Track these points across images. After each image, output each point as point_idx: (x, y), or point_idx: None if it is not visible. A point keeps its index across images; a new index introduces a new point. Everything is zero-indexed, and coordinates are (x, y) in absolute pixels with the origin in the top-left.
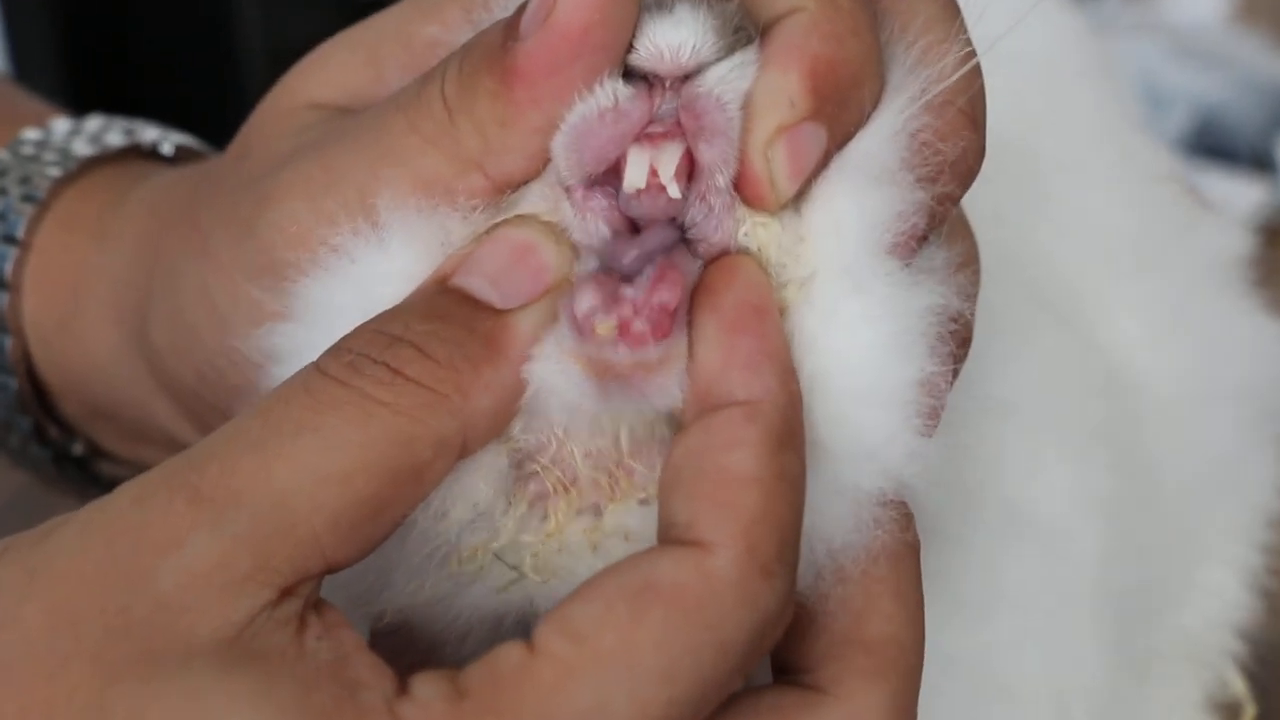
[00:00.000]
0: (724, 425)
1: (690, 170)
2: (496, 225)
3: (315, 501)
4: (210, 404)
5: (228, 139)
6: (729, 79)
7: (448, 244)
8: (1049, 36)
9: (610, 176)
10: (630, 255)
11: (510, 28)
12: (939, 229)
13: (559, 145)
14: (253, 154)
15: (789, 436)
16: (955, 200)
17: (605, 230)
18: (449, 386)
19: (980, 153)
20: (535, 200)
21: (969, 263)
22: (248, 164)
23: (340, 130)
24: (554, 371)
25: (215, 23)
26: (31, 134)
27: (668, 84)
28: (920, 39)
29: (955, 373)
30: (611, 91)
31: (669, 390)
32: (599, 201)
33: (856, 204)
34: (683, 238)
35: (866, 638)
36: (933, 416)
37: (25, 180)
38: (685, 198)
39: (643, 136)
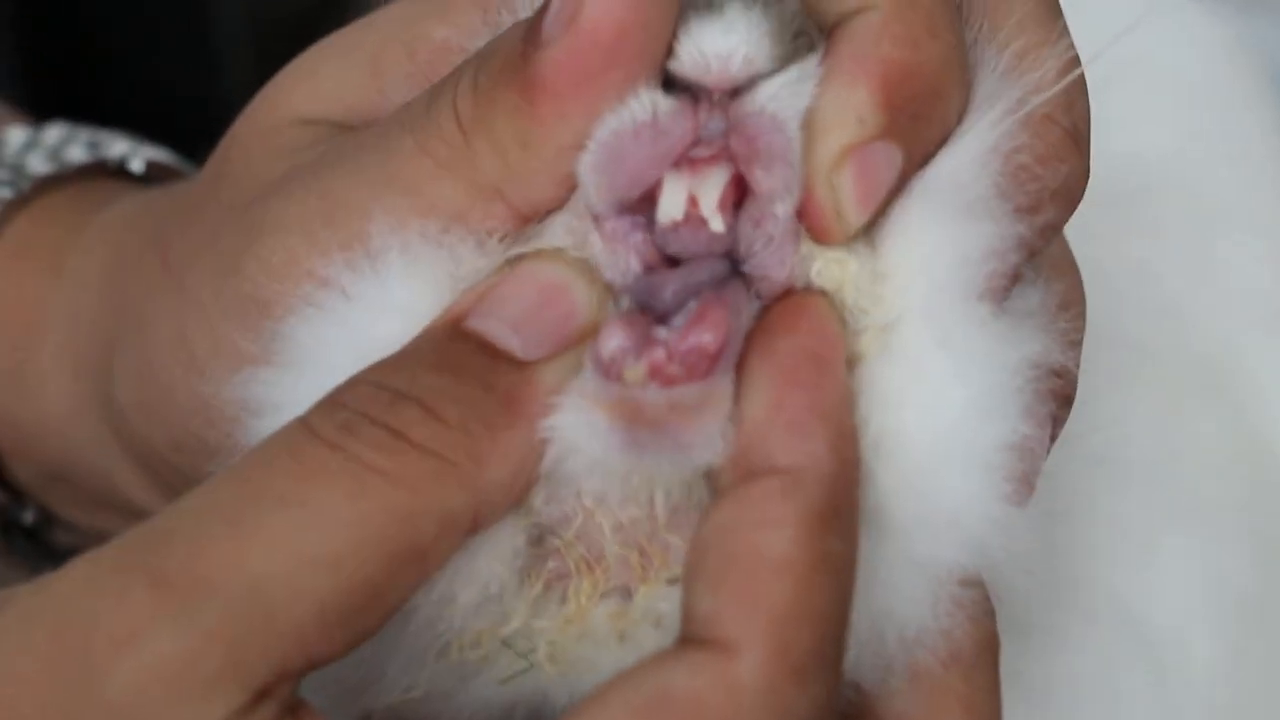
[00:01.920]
0: (759, 499)
1: (738, 199)
2: (521, 258)
3: (298, 589)
4: (186, 474)
5: (204, 124)
6: (785, 96)
7: (459, 277)
8: (1197, 48)
9: (646, 205)
10: (669, 289)
11: (532, 31)
12: (1037, 265)
13: (586, 166)
14: (233, 178)
15: (835, 515)
16: (1056, 232)
17: (637, 267)
18: (460, 453)
19: (1084, 179)
20: (559, 233)
21: (1071, 304)
22: (227, 189)
23: (339, 152)
24: (576, 423)
25: None
26: None
27: (715, 97)
28: (1014, 41)
29: (1054, 435)
30: (650, 103)
31: (711, 441)
32: (632, 234)
33: (945, 238)
34: (736, 272)
35: None
36: (1025, 484)
37: None
38: (733, 231)
39: (683, 160)
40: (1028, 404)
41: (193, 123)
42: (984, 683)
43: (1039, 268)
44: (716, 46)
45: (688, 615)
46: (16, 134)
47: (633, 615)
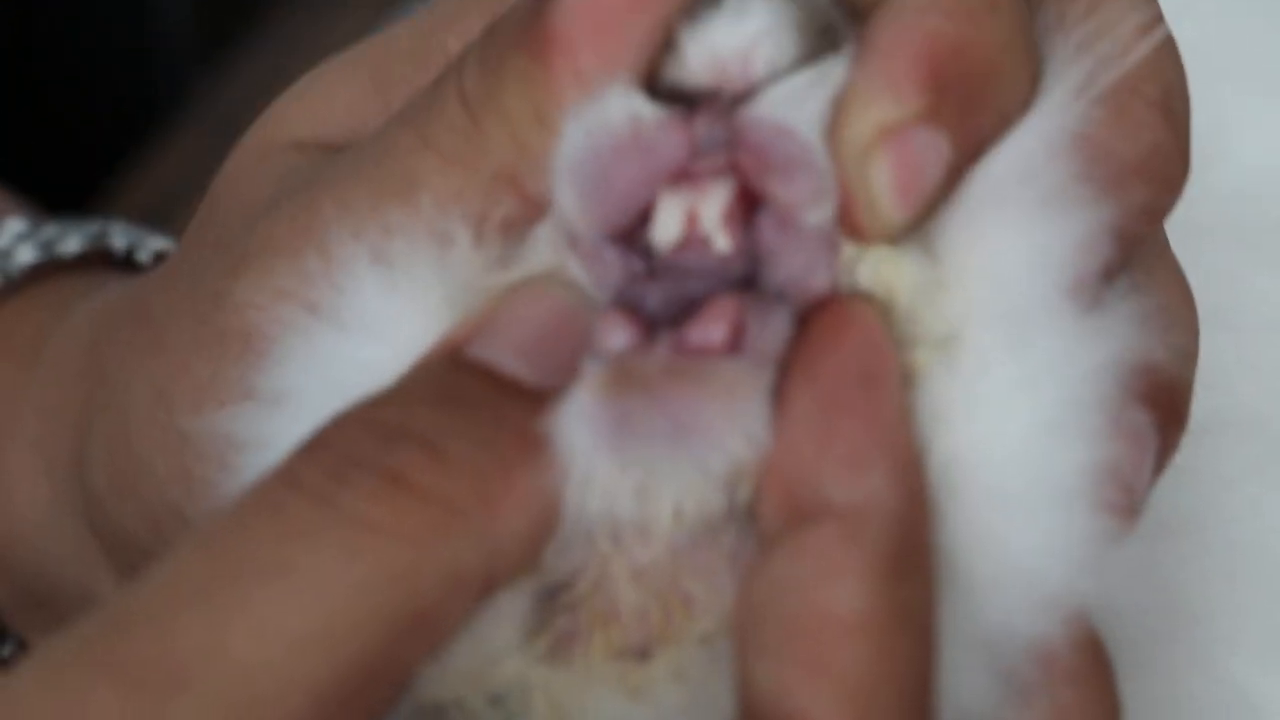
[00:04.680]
0: (818, 547)
1: (747, 212)
2: (523, 283)
3: (289, 676)
4: None
5: (143, 110)
6: (796, 100)
7: (472, 292)
8: None
9: (639, 224)
10: (652, 298)
11: None
12: (1130, 267)
13: (561, 184)
14: (219, 215)
15: (908, 558)
16: (1151, 219)
17: (619, 281)
18: (470, 499)
19: (1180, 156)
20: (544, 247)
21: (1178, 316)
22: (213, 227)
23: (334, 164)
24: (566, 418)
25: None
26: None
27: (721, 103)
28: (1088, 20)
29: (1164, 457)
30: (628, 113)
31: (724, 435)
32: (618, 261)
33: (1013, 233)
34: (748, 283)
35: None
36: (1123, 515)
37: None
38: (745, 252)
39: (680, 174)
40: (1115, 414)
41: (127, 114)
42: None
43: (1132, 275)
44: (734, 42)
45: (748, 691)
46: (14, 224)
47: (653, 674)
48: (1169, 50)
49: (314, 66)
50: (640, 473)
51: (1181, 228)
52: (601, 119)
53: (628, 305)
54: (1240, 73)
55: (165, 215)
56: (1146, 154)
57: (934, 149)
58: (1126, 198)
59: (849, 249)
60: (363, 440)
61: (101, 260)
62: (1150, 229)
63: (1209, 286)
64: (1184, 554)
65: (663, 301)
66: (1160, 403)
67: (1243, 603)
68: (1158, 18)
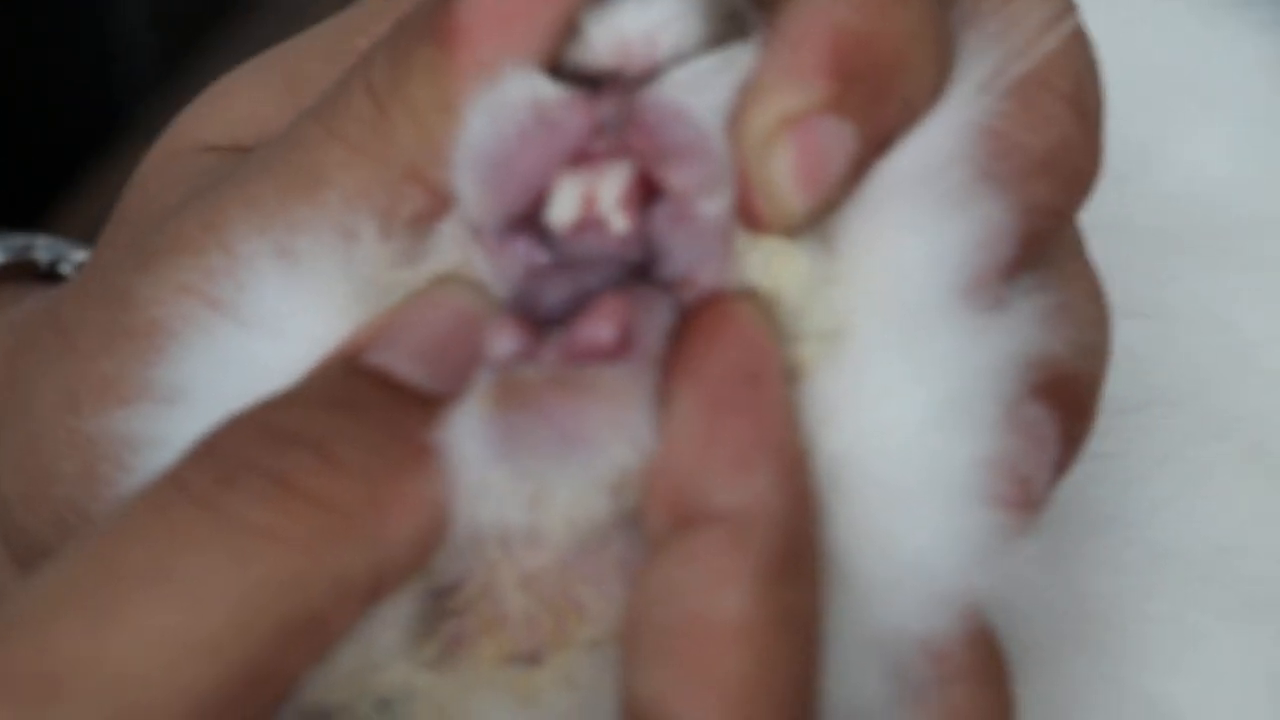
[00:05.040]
0: (702, 552)
1: (645, 196)
2: (424, 288)
3: (171, 682)
4: None
5: (98, 130)
6: (697, 84)
7: (378, 288)
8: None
9: (536, 209)
10: (551, 294)
11: None
12: (1034, 264)
13: (462, 173)
14: (130, 218)
15: (793, 561)
16: (1058, 215)
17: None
18: (360, 505)
19: (1090, 151)
20: (448, 244)
21: (1085, 313)
22: (124, 231)
23: (244, 162)
24: (458, 430)
25: None
26: None
27: (623, 85)
28: (1002, 12)
29: (1068, 455)
30: (529, 94)
31: (609, 440)
32: (521, 248)
33: (921, 232)
34: (644, 274)
35: None
36: (1018, 509)
37: None
38: (643, 235)
39: (579, 156)
40: (1009, 408)
41: (86, 126)
42: None
43: (1041, 272)
44: (640, 25)
45: (630, 698)
46: None
47: (539, 682)
48: (1081, 43)
49: None
50: (530, 483)
51: (1119, 228)
52: (503, 101)
53: (522, 306)
54: (1181, 79)
55: None
56: (1054, 148)
57: (838, 138)
58: (1032, 193)
59: (742, 241)
60: (252, 444)
61: (26, 273)
62: (1057, 225)
63: (1146, 285)
64: (1100, 552)
65: (561, 298)
66: (1061, 397)
67: (1156, 606)
68: (1068, 8)
